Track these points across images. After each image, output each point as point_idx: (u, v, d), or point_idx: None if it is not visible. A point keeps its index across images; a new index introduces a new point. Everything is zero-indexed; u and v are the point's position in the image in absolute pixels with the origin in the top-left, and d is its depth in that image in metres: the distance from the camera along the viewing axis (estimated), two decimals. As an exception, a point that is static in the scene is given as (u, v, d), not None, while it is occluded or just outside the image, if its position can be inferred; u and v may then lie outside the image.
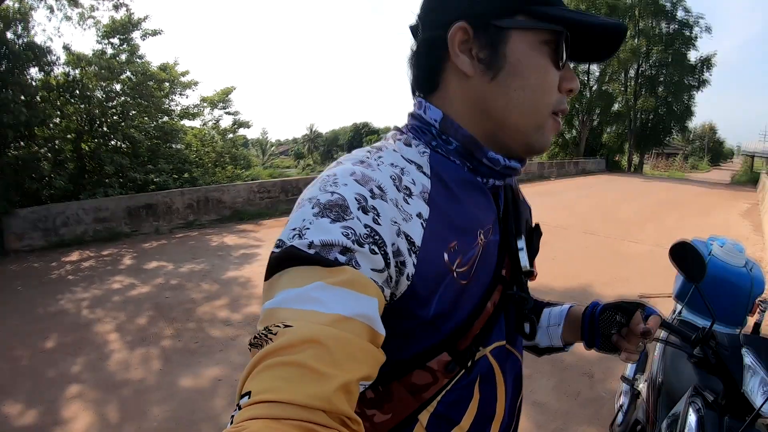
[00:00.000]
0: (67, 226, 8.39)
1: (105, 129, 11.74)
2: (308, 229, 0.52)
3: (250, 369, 0.43)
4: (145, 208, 9.33)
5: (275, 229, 9.33)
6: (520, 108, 0.66)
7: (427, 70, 0.71)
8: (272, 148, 56.05)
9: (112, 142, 11.89)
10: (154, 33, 12.88)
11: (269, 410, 0.38)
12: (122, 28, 12.17)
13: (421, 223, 0.60)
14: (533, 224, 0.82)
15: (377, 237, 0.54)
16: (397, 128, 0.75)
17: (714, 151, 73.24)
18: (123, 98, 11.95)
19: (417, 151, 0.68)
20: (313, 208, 0.54)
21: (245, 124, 16.33)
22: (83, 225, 8.57)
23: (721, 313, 1.71)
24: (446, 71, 0.69)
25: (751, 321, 1.98)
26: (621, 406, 2.23)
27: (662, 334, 1.56)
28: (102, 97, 11.66)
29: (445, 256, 0.61)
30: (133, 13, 12.29)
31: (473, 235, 0.66)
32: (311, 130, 70.19)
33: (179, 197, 9.88)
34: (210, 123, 15.78)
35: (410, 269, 0.58)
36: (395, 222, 0.57)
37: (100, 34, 12.08)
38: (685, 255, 1.34)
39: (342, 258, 0.50)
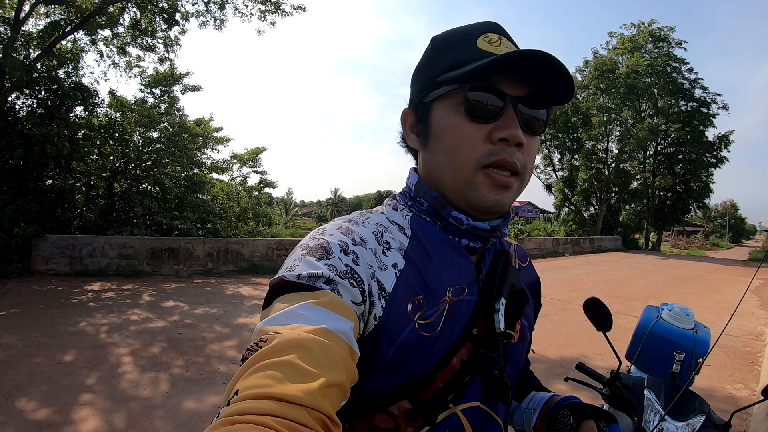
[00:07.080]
0: (92, 257, 8.77)
1: (138, 172, 12.38)
2: (297, 266, 0.60)
3: (242, 372, 0.46)
4: (167, 251, 9.69)
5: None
6: (445, 168, 0.72)
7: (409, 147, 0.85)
8: (296, 209, 56.44)
9: (143, 186, 12.47)
10: (194, 88, 13.73)
11: (254, 404, 0.41)
12: (164, 81, 13.04)
13: (395, 273, 0.67)
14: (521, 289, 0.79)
15: (356, 275, 0.62)
16: (393, 194, 0.85)
17: (735, 228, 71.39)
18: (158, 146, 12.61)
19: (401, 214, 0.77)
20: (302, 251, 0.64)
21: (271, 184, 16.84)
22: (107, 258, 8.94)
23: (665, 370, 1.89)
24: None
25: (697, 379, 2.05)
26: None
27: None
28: (139, 142, 12.35)
29: (409, 306, 0.66)
30: (176, 68, 13.17)
31: (441, 292, 0.70)
32: (335, 194, 70.72)
33: (201, 245, 10.21)
34: (238, 179, 16.38)
35: (378, 311, 0.64)
36: (371, 266, 0.65)
37: (143, 83, 12.95)
38: (596, 309, 1.47)
39: (326, 287, 0.58)
